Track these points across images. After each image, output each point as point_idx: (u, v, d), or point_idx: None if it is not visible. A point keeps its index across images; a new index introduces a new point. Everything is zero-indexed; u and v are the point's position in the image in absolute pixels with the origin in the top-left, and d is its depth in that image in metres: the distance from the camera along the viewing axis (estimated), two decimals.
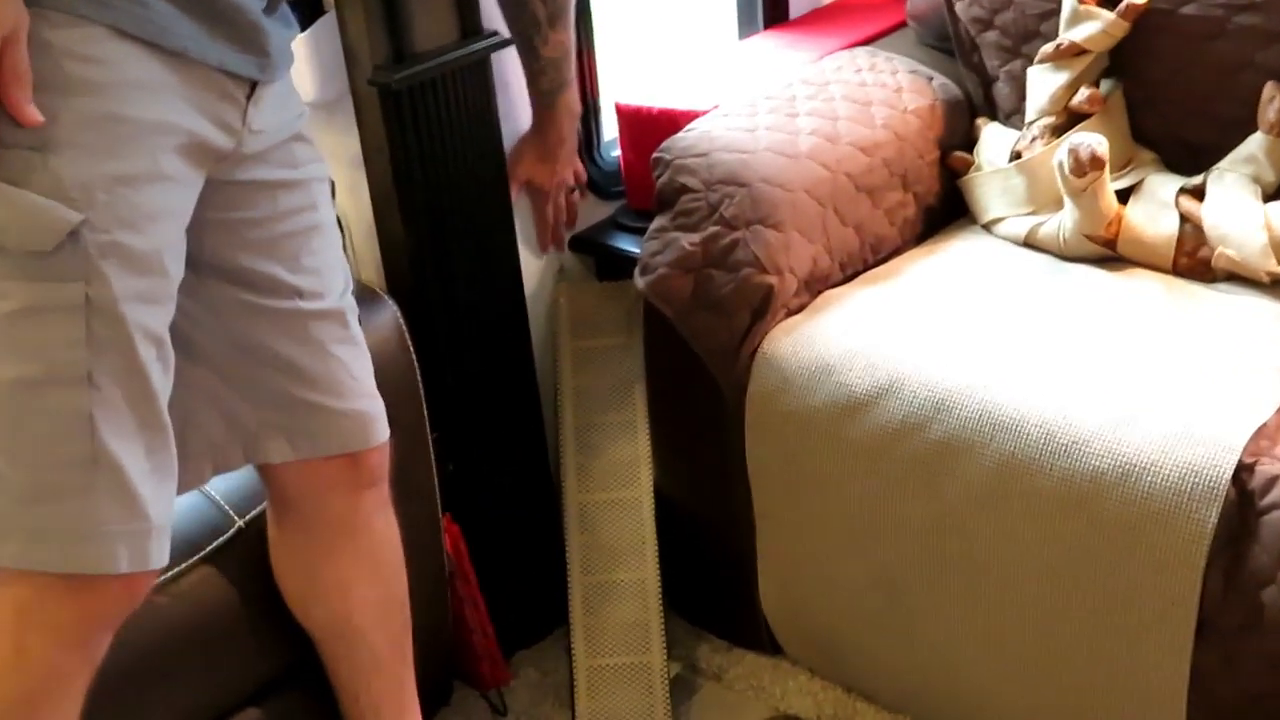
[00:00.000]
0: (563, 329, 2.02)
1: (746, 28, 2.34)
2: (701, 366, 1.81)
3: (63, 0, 1.10)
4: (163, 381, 1.19)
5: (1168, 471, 1.47)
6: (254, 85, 1.28)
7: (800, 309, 1.81)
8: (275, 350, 1.35)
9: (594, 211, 2.07)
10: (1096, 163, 1.78)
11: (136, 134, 1.14)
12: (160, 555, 1.20)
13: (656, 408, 1.96)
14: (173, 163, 1.18)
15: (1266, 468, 1.45)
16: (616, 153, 2.08)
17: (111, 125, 1.13)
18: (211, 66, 1.22)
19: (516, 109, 1.89)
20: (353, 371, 1.41)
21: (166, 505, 1.21)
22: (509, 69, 1.85)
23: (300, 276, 1.35)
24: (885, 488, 1.68)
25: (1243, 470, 1.45)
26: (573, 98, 1.85)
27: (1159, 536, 1.47)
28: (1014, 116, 2.05)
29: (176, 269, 1.21)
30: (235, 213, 1.31)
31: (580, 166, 1.98)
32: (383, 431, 1.46)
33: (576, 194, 2.00)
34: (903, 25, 2.26)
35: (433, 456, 1.74)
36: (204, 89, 1.21)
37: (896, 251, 1.95)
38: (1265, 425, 1.49)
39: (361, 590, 1.52)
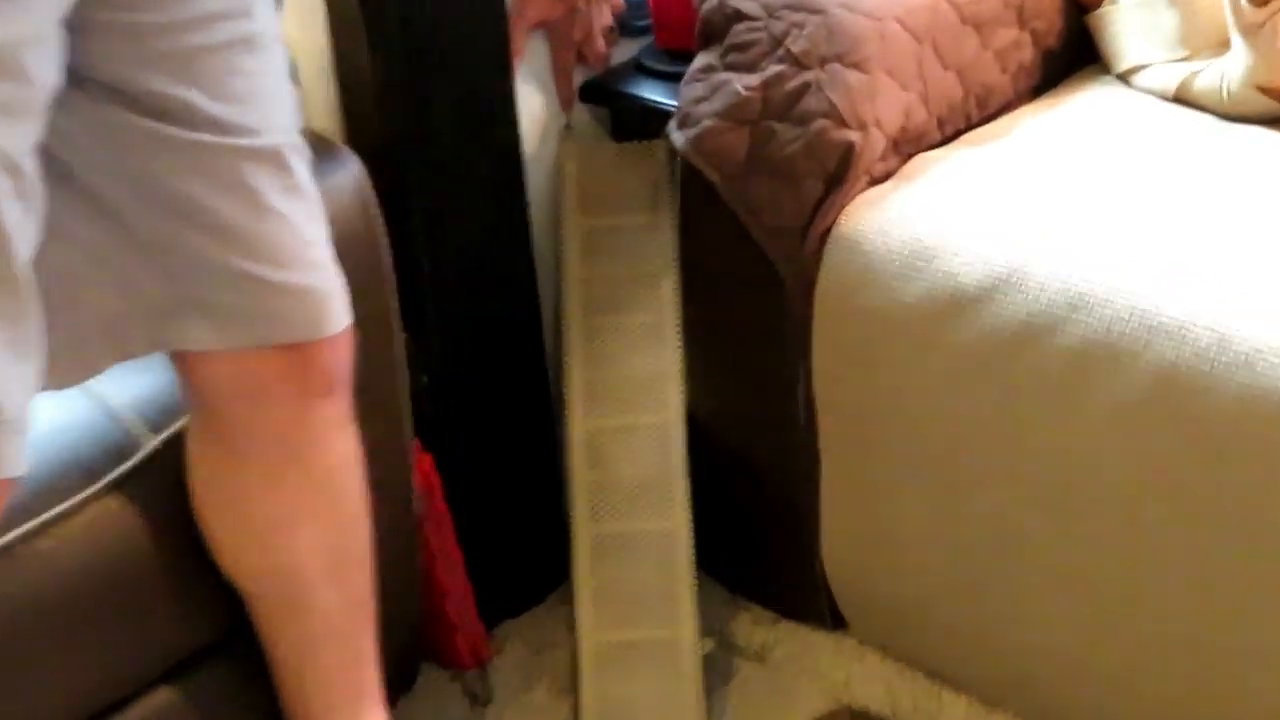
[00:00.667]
0: (569, 203, 2.02)
1: None
2: (754, 252, 1.81)
3: None
4: (21, 224, 1.13)
5: None
6: None
7: (887, 176, 1.81)
8: (193, 197, 1.30)
9: (610, 51, 2.07)
10: None
11: None
12: (15, 460, 1.15)
13: (691, 307, 1.97)
14: None
15: None
16: None
17: None
18: None
19: None
20: (300, 233, 1.36)
21: (23, 394, 1.16)
22: None
23: (224, 105, 1.29)
24: (999, 409, 1.67)
25: None
26: None
27: None
28: None
29: (46, 73, 1.15)
30: (134, 13, 1.24)
31: None
32: (341, 317, 1.42)
33: (610, 35, 2.02)
34: None
35: (402, 362, 1.74)
36: None
37: (1008, 106, 1.95)
38: None
39: (311, 532, 1.51)
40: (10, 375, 1.14)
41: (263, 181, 1.34)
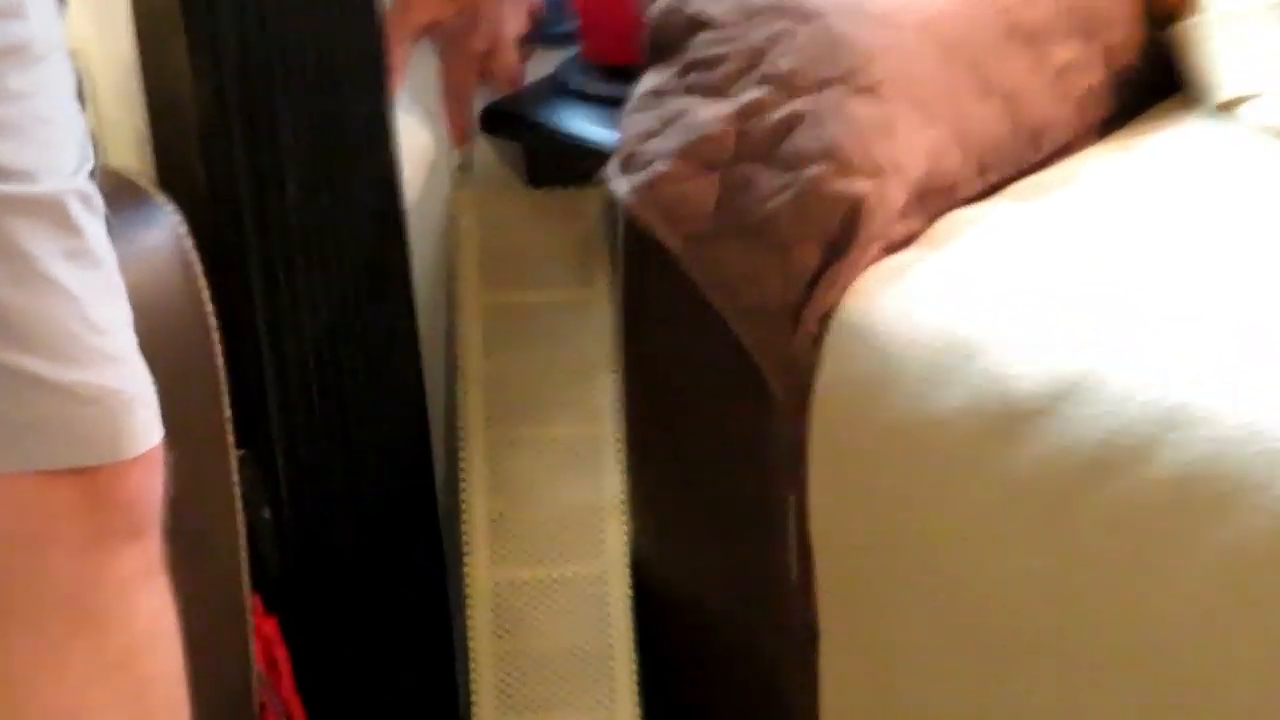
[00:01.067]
0: (467, 272, 2.06)
1: None
2: (726, 343, 1.81)
3: None
4: None
5: None
6: None
7: (910, 241, 1.81)
8: None
9: (525, 66, 2.11)
10: None
11: None
12: None
13: (638, 416, 1.99)
14: None
15: None
16: None
17: None
18: None
19: None
20: (89, 314, 1.35)
21: None
22: None
23: None
24: (1064, 560, 1.66)
25: None
26: None
27: None
28: None
29: None
30: None
31: None
32: (148, 431, 1.40)
33: (524, 45, 2.06)
34: None
35: (236, 491, 1.74)
36: None
37: (1070, 146, 1.97)
38: None
39: None
40: None
41: (38, 243, 1.33)
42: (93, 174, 1.39)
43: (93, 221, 1.37)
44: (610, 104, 1.96)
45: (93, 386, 1.36)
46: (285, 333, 1.87)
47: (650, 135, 1.82)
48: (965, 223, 1.84)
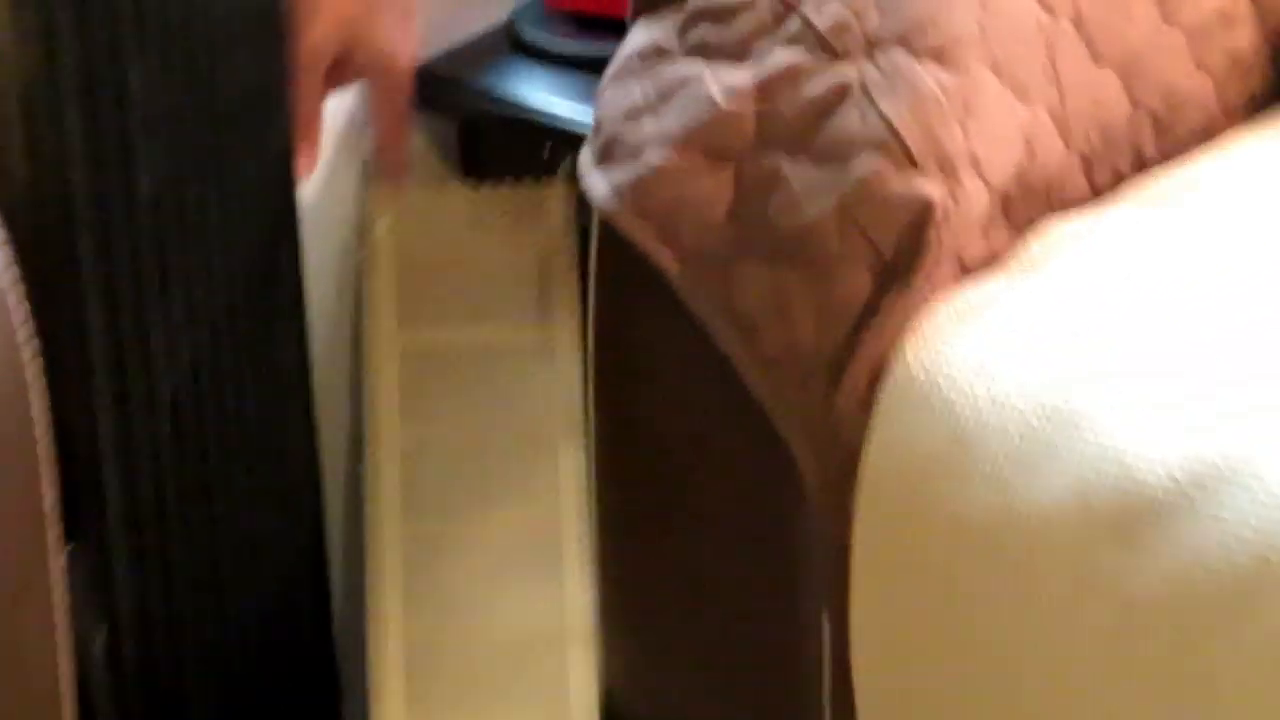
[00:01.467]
0: (380, 297, 2.11)
1: None
2: (741, 403, 1.79)
3: None
4: None
5: None
6: None
7: (990, 263, 1.79)
8: None
9: (462, 11, 2.24)
10: None
11: None
12: None
13: (613, 506, 2.00)
14: None
15: None
16: None
17: None
18: None
19: None
20: None
21: None
22: None
23: None
24: (1211, 712, 1.64)
25: None
26: None
27: None
28: None
29: None
30: None
31: None
32: None
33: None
34: None
35: (59, 604, 1.75)
36: None
37: (1209, 129, 1.98)
38: None
39: None
40: None
41: None
42: None
43: None
44: (582, 67, 2.06)
45: None
46: (132, 382, 1.86)
47: (640, 113, 1.82)
48: (1069, 238, 1.81)
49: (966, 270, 1.77)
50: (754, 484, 1.85)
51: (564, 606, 2.00)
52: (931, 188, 1.73)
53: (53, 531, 1.70)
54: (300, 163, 2.03)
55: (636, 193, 1.79)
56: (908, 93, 1.75)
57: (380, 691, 1.99)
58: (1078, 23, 1.86)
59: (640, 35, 1.87)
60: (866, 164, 1.73)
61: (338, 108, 2.11)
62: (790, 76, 1.77)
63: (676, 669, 2.01)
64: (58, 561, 1.72)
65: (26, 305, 1.68)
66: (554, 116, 2.04)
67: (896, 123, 1.74)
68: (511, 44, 2.15)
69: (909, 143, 1.73)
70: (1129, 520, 1.62)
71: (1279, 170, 1.92)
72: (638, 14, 1.89)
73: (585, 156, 1.85)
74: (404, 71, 2.10)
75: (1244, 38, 1.99)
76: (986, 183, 1.77)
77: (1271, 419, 1.63)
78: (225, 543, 1.97)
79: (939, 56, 1.77)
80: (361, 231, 2.11)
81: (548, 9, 2.16)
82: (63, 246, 1.81)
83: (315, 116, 2.05)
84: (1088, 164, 1.87)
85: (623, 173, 1.80)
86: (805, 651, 1.84)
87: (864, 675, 1.79)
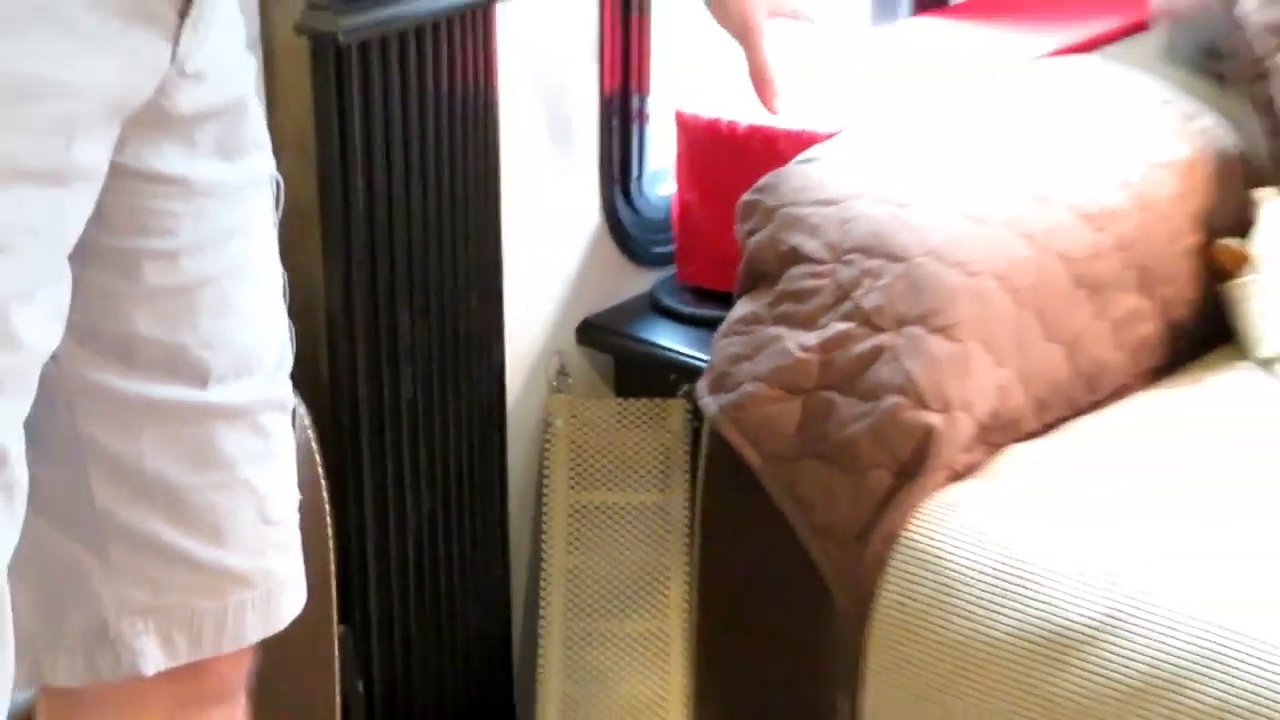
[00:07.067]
0: (556, 471, 2.06)
1: (885, 13, 2.40)
2: (797, 555, 1.80)
3: None
4: (2, 525, 1.14)
5: None
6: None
7: (971, 471, 1.81)
8: (161, 477, 1.30)
9: (619, 282, 2.15)
10: None
11: None
12: None
13: (706, 617, 1.96)
14: (49, 147, 1.11)
15: None
16: (666, 189, 2.15)
17: None
18: None
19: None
20: (266, 508, 1.35)
21: None
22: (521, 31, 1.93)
23: (210, 351, 1.30)
24: None
25: None
26: None
27: None
28: None
29: (42, 333, 1.15)
30: (141, 238, 1.25)
31: None
32: (291, 604, 1.40)
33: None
34: (1138, 28, 2.29)
35: (336, 662, 1.75)
36: (107, 7, 1.14)
37: (1123, 389, 1.96)
38: None
39: None
40: None
41: (238, 446, 1.33)
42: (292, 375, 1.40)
43: (281, 423, 1.37)
44: (699, 324, 1.99)
45: (258, 572, 1.36)
46: (390, 518, 1.87)
47: (741, 359, 1.81)
48: (1025, 457, 1.83)
49: (956, 475, 1.80)
50: (803, 607, 1.84)
51: (668, 682, 1.97)
52: (935, 419, 1.76)
53: (334, 615, 1.71)
54: (765, 97, 1.92)
55: (736, 411, 1.79)
56: (923, 357, 1.77)
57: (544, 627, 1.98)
58: (1038, 314, 1.86)
59: (742, 307, 1.85)
60: (892, 401, 1.75)
61: (533, 347, 2.06)
62: (843, 340, 1.78)
63: (732, 716, 1.98)
64: (334, 632, 1.72)
65: (319, 458, 1.68)
66: (678, 353, 2.00)
67: (915, 376, 1.76)
68: (652, 306, 2.10)
69: (922, 390, 1.76)
70: (1058, 647, 1.66)
71: (1169, 416, 1.90)
72: (741, 292, 1.87)
73: (701, 385, 1.83)
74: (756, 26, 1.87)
75: (1149, 328, 1.98)
76: (972, 418, 1.80)
77: (1158, 577, 1.65)
78: (442, 628, 1.95)
79: (945, 333, 1.78)
80: (545, 426, 2.06)
81: (677, 282, 2.10)
82: (349, 426, 1.82)
83: (765, 59, 1.89)
84: (1040, 408, 1.88)
85: (727, 398, 1.80)
86: (833, 712, 1.84)
87: None
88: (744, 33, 1.91)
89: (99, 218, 1.20)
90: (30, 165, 1.11)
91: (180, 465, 1.30)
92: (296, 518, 1.41)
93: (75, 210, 1.16)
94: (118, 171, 1.21)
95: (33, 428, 1.20)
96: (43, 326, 1.15)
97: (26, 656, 1.30)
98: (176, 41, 1.20)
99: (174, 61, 1.20)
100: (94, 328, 1.26)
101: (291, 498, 1.40)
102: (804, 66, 2.02)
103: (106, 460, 1.29)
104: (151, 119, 1.21)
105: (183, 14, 1.20)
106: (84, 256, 1.20)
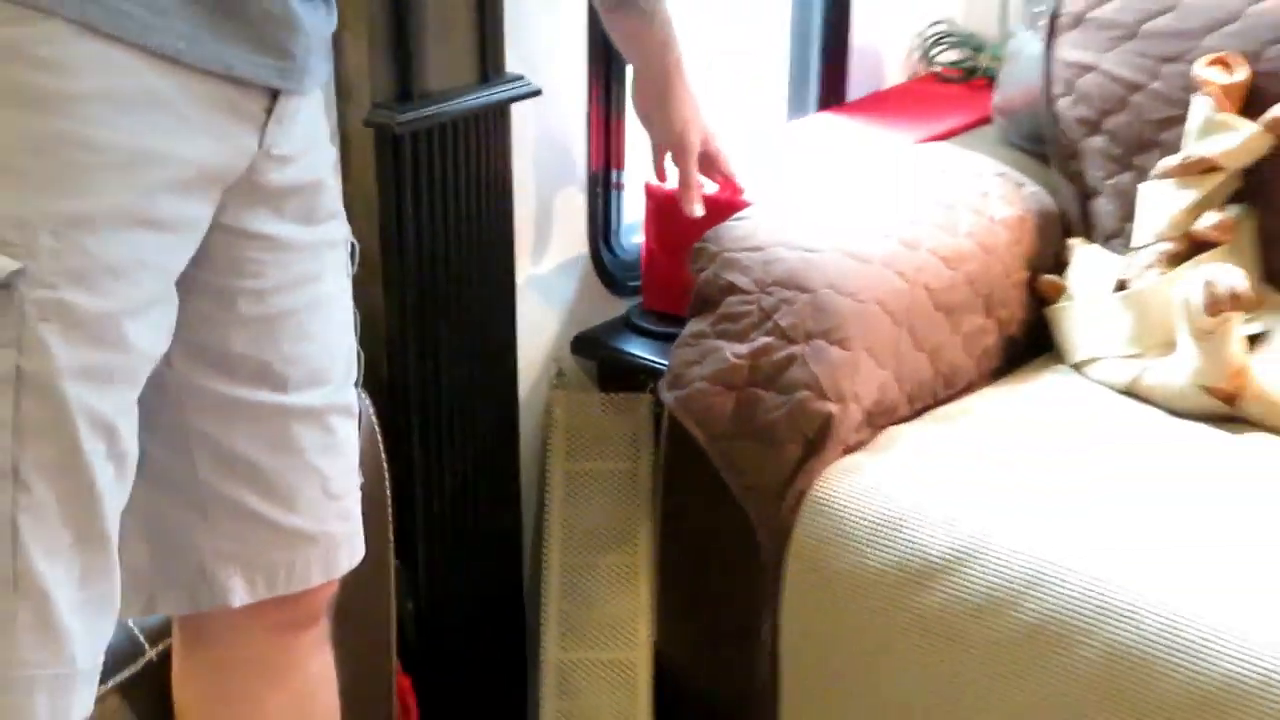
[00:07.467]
0: (556, 447, 2.02)
1: (797, 109, 2.37)
2: (729, 506, 1.78)
3: None
4: (113, 486, 1.13)
5: None
6: (275, 96, 1.21)
7: (860, 446, 1.80)
8: (249, 459, 1.29)
9: (602, 308, 2.10)
10: (1236, 301, 1.74)
11: (105, 163, 1.07)
12: (84, 708, 1.13)
13: (666, 553, 1.94)
14: (160, 202, 1.12)
15: None
16: (637, 239, 2.10)
17: (69, 150, 1.06)
18: (216, 73, 1.14)
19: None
20: (330, 486, 1.35)
21: (98, 645, 1.14)
22: (529, 125, 1.89)
23: (290, 366, 1.29)
24: (959, 676, 1.64)
25: None
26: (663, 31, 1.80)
27: None
28: (1114, 240, 2.05)
29: (149, 341, 1.14)
30: (237, 279, 1.24)
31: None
32: (349, 558, 1.39)
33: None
34: (983, 121, 2.29)
35: (392, 588, 1.72)
36: (208, 103, 1.14)
37: (971, 386, 1.95)
38: None
39: None
40: (95, 629, 1.13)
41: (307, 439, 1.32)
42: (355, 382, 1.38)
43: (346, 424, 1.35)
44: (660, 339, 1.96)
45: (323, 534, 1.35)
46: (433, 482, 1.85)
47: (691, 364, 1.80)
48: (899, 435, 1.82)
49: (849, 449, 1.78)
50: (739, 547, 1.80)
51: (637, 600, 1.96)
52: (833, 408, 1.75)
53: (390, 553, 1.69)
54: (686, 200, 1.87)
55: (688, 402, 1.78)
56: (825, 362, 1.75)
57: (545, 636, 1.97)
58: (909, 330, 1.85)
59: (692, 325, 1.83)
60: (802, 395, 1.74)
61: (538, 359, 2.01)
62: (766, 350, 1.76)
63: (694, 637, 1.95)
64: (392, 568, 1.71)
65: (380, 438, 1.67)
66: (645, 360, 1.98)
67: (819, 376, 1.74)
68: (626, 325, 2.06)
69: (824, 386, 1.74)
70: (922, 574, 1.66)
71: (1005, 405, 1.89)
72: (692, 315, 1.84)
73: (662, 383, 1.81)
74: (691, 146, 1.86)
75: (991, 340, 1.97)
76: (860, 407, 1.79)
77: (1001, 516, 1.64)
78: (472, 564, 1.94)
79: (841, 344, 1.76)
80: (548, 414, 2.03)
81: (644, 308, 2.06)
82: (403, 414, 1.79)
83: (692, 176, 1.86)
84: (911, 399, 1.87)
85: (681, 392, 1.79)
86: (758, 634, 1.81)
87: (786, 646, 1.79)
88: (680, 149, 1.88)
89: (205, 260, 1.20)
90: (144, 215, 1.10)
91: (264, 451, 1.30)
92: (358, 494, 1.40)
93: (180, 251, 1.16)
94: (220, 228, 1.21)
95: (149, 417, 1.19)
96: (150, 337, 1.14)
97: (144, 591, 1.32)
98: (264, 133, 1.20)
99: (261, 147, 1.20)
100: (200, 344, 1.25)
101: (353, 479, 1.39)
102: (738, 150, 2.00)
103: (208, 445, 1.29)
104: (247, 189, 1.21)
105: (269, 112, 1.20)
106: (192, 289, 1.20)
